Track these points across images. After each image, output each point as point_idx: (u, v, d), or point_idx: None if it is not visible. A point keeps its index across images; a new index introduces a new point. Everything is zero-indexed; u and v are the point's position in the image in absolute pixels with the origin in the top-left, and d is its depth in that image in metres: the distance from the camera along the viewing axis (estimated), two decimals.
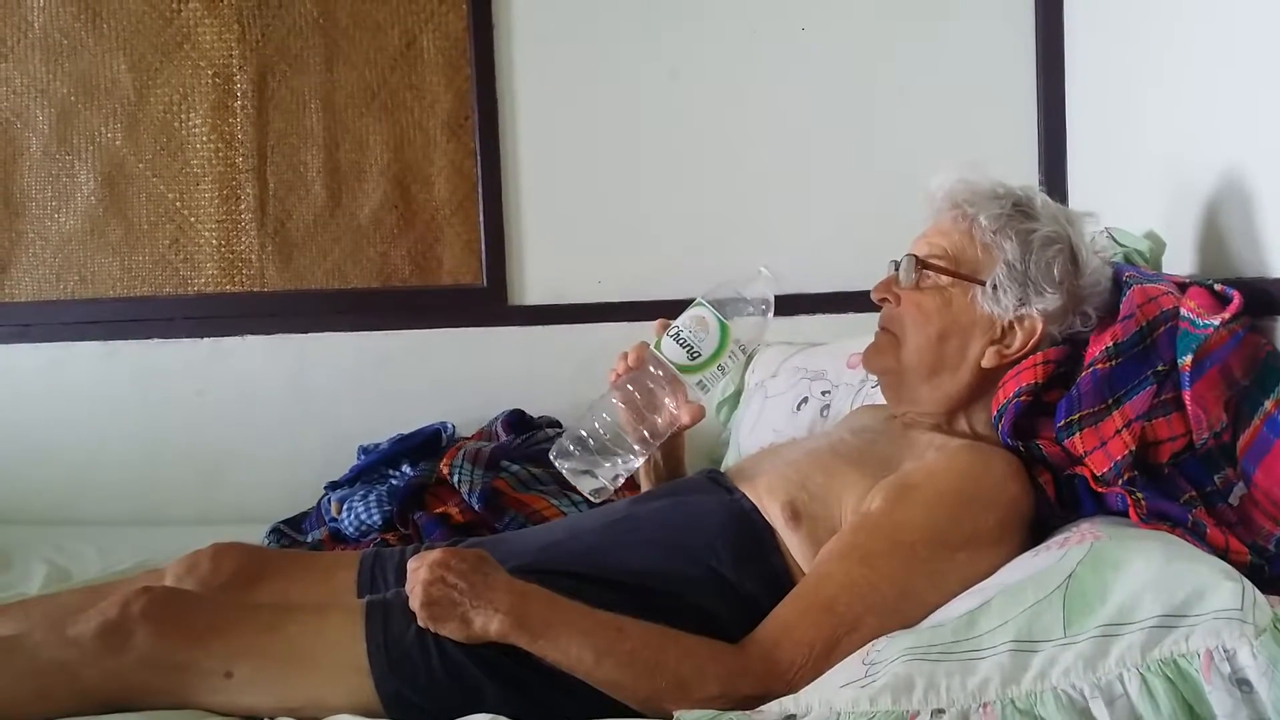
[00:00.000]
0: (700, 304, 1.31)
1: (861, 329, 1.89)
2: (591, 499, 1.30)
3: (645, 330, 2.30)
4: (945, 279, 1.37)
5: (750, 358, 2.17)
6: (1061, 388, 1.29)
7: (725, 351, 1.28)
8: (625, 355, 1.34)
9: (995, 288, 1.34)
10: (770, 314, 1.31)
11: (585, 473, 1.28)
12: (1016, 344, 1.35)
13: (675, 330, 1.30)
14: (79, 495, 2.39)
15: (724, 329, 1.27)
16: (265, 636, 1.19)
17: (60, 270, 2.42)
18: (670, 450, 1.50)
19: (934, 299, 1.37)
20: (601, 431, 1.28)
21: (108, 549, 2.01)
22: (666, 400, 1.28)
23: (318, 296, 2.43)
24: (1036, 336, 1.34)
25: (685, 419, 1.28)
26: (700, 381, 1.28)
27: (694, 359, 1.27)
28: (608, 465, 1.28)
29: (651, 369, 1.29)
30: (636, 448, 1.29)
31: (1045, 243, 1.34)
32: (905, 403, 1.42)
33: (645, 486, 1.54)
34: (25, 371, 2.41)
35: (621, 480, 1.29)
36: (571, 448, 1.28)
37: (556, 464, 1.29)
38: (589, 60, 2.41)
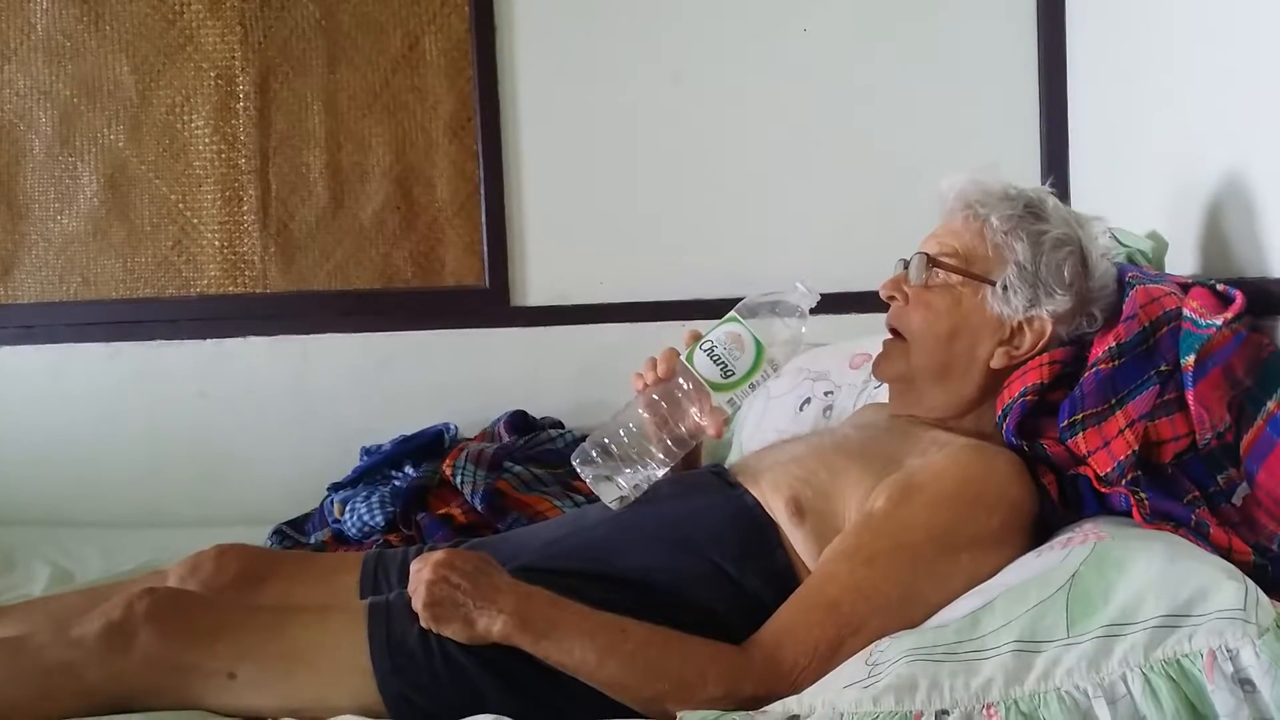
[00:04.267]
0: (736, 320, 1.26)
1: (864, 329, 1.89)
2: (612, 507, 1.27)
3: (647, 331, 2.35)
4: (955, 278, 1.37)
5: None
6: (1066, 388, 1.29)
7: (759, 371, 1.25)
8: (653, 363, 1.30)
9: (1006, 288, 1.34)
10: (805, 332, 1.28)
11: (607, 480, 1.25)
12: (1025, 345, 1.35)
13: (709, 345, 1.25)
14: (82, 496, 2.39)
15: (759, 349, 1.24)
16: (268, 637, 1.19)
17: (63, 272, 2.42)
18: (688, 454, 1.50)
19: (943, 298, 1.37)
20: (626, 440, 1.26)
21: (110, 550, 2.01)
22: (692, 410, 1.26)
23: (320, 298, 2.43)
24: (1046, 338, 1.34)
25: (711, 431, 1.25)
26: (731, 399, 1.26)
27: (728, 377, 1.24)
28: (630, 473, 1.25)
29: (680, 380, 1.26)
30: (661, 456, 1.26)
31: (1056, 244, 1.34)
32: (914, 407, 1.42)
33: None
34: (28, 373, 2.42)
35: (643, 489, 1.26)
36: (594, 454, 1.26)
37: (579, 470, 1.27)
38: (591, 62, 2.41)
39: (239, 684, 1.16)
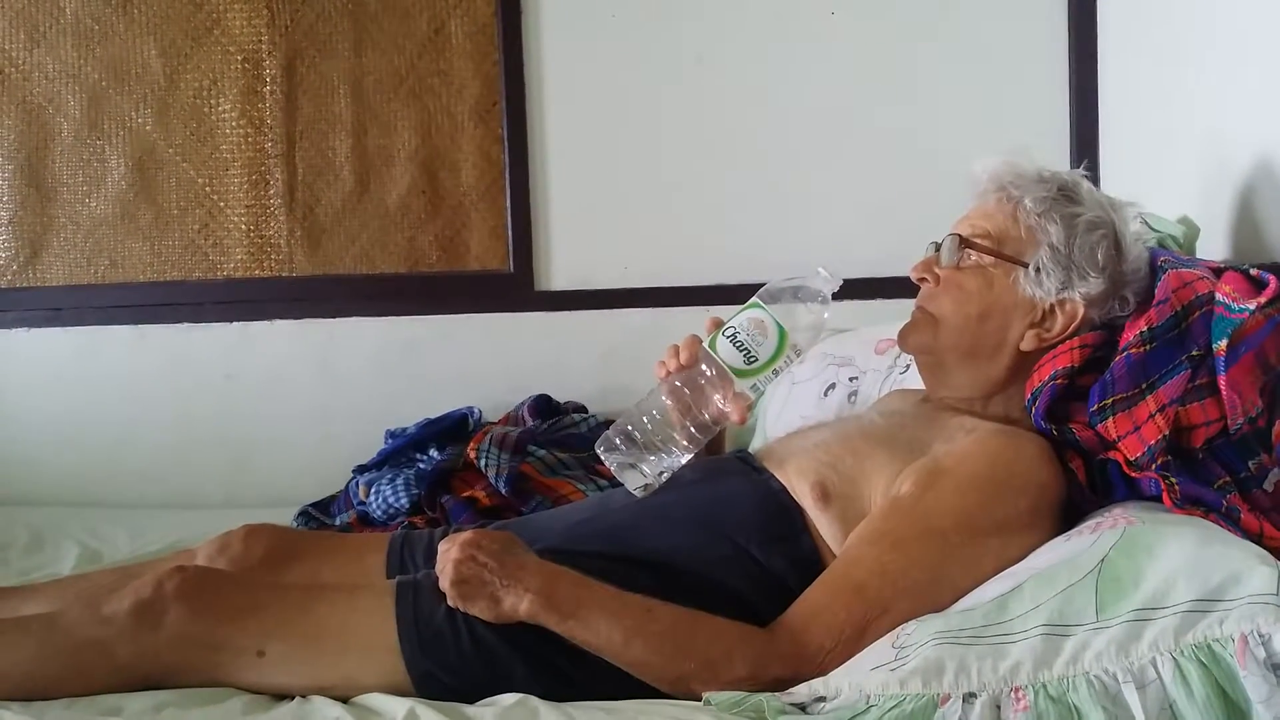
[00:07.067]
0: (758, 305, 1.26)
1: (889, 315, 1.88)
2: (637, 494, 1.27)
3: (670, 316, 2.35)
4: (988, 259, 1.36)
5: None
6: (1096, 372, 1.28)
7: (782, 357, 1.25)
8: (675, 350, 1.30)
9: (1038, 270, 1.33)
10: (827, 317, 1.28)
11: (631, 467, 1.25)
12: (1057, 328, 1.34)
13: (732, 331, 1.25)
14: (109, 478, 2.41)
15: (782, 334, 1.24)
16: (296, 616, 1.20)
17: (91, 254, 2.43)
18: (711, 441, 1.50)
19: (975, 279, 1.36)
20: (649, 427, 1.26)
21: (138, 531, 2.03)
22: (715, 397, 1.26)
23: (345, 281, 2.44)
24: (1077, 321, 1.33)
25: (735, 417, 1.25)
26: (754, 385, 1.25)
27: (750, 363, 1.23)
28: (654, 460, 1.25)
29: (703, 367, 1.26)
30: (684, 443, 1.27)
31: (1090, 227, 1.33)
32: (942, 386, 1.41)
33: None
34: (56, 355, 2.44)
35: (666, 476, 1.27)
36: (618, 441, 1.26)
37: (603, 457, 1.27)
38: (616, 46, 2.40)
39: (268, 662, 1.17)
